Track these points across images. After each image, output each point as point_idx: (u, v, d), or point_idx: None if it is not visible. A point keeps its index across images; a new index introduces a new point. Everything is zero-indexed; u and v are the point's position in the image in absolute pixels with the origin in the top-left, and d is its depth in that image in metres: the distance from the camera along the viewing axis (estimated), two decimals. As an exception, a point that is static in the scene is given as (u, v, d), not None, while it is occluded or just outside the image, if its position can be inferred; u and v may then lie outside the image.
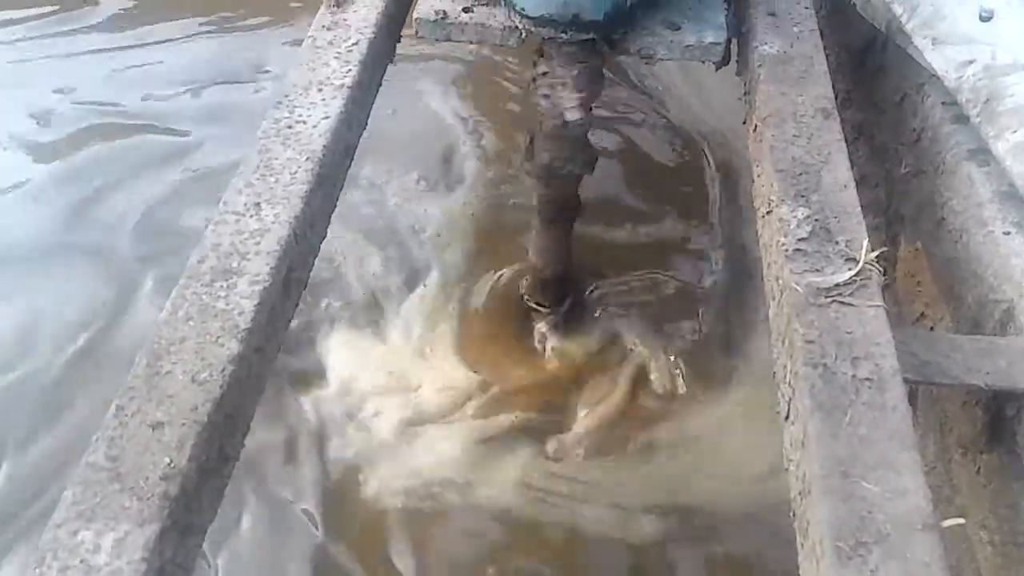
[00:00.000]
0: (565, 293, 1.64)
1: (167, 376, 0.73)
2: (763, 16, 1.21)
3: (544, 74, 1.24)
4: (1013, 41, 1.10)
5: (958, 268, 1.09)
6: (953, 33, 1.15)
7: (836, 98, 1.68)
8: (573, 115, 1.27)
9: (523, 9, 1.11)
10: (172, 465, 0.67)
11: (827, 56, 1.76)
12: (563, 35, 1.11)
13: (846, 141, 1.61)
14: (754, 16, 1.21)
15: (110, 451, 0.68)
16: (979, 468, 1.00)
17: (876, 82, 1.46)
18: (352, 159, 1.10)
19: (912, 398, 1.21)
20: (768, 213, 0.97)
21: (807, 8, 1.22)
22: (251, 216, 0.89)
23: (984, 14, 1.14)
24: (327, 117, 1.02)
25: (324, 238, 1.01)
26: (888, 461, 0.71)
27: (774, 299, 0.92)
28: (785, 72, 1.12)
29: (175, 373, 0.73)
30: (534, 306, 1.65)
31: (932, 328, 1.16)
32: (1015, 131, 1.05)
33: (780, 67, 1.12)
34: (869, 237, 1.33)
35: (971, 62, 1.12)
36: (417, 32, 1.18)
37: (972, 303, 1.05)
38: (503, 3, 1.14)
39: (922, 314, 1.19)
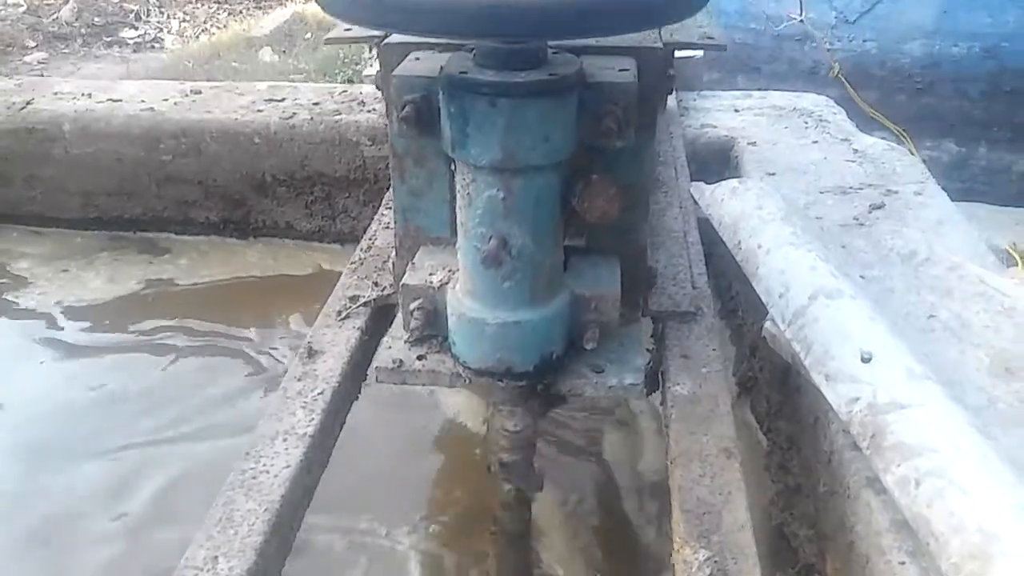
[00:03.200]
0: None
1: None
2: (676, 357, 1.39)
3: (493, 411, 1.40)
4: (890, 382, 1.26)
5: (868, 594, 1.17)
6: (841, 372, 1.32)
7: (769, 409, 1.86)
8: (519, 445, 1.41)
9: (465, 362, 1.29)
10: None
11: (761, 368, 1.95)
12: (500, 383, 1.29)
13: (781, 450, 1.75)
14: (669, 357, 1.39)
15: None
16: None
17: (797, 400, 1.63)
18: (311, 498, 1.23)
19: None
20: (676, 552, 1.08)
21: (714, 350, 1.40)
22: (208, 570, 1.00)
23: (864, 356, 1.31)
24: (288, 466, 1.16)
25: (277, 580, 1.11)
26: None
27: (682, 641, 1.00)
28: (694, 412, 1.27)
29: None
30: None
31: (857, 652, 1.21)
32: (899, 465, 1.17)
33: (689, 407, 1.28)
34: (802, 548, 1.42)
35: (857, 399, 1.28)
36: (377, 379, 1.36)
37: (882, 631, 1.12)
38: (451, 354, 1.33)
39: (849, 636, 1.25)
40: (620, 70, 1.19)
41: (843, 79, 2.61)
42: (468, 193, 1.18)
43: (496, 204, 1.15)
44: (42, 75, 6.27)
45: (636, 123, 1.18)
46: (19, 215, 2.67)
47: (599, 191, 1.20)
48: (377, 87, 1.38)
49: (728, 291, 2.28)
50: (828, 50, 3.33)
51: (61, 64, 6.69)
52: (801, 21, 2.75)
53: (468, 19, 0.91)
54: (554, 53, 1.16)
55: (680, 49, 1.32)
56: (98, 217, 2.66)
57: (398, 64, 1.26)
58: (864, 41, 3.30)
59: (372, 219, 2.13)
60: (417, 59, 1.26)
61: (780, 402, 1.79)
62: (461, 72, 1.10)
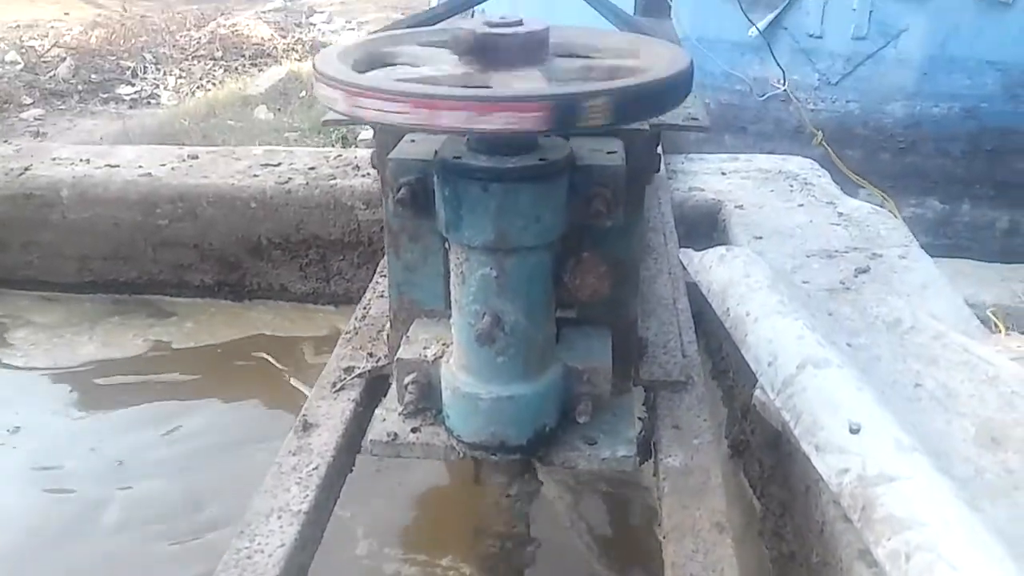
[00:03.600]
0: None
1: None
2: (668, 428, 1.40)
3: (487, 482, 1.41)
4: (879, 453, 1.28)
5: (862, 669, 1.17)
6: (830, 443, 1.34)
7: (762, 473, 1.86)
8: (518, 521, 1.42)
9: (459, 436, 1.30)
10: None
11: (753, 431, 1.96)
12: (494, 456, 1.30)
13: (774, 516, 1.75)
14: (660, 428, 1.41)
15: None
16: None
17: (789, 467, 1.64)
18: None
19: None
20: (670, 631, 1.08)
21: (705, 420, 1.42)
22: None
23: (853, 427, 1.33)
24: (282, 545, 1.17)
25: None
26: None
27: None
28: (686, 484, 1.28)
29: None
30: None
31: None
32: (889, 539, 1.18)
33: (682, 479, 1.30)
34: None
35: (847, 471, 1.29)
36: (372, 452, 1.37)
37: None
38: (444, 427, 1.35)
39: None
40: (608, 152, 1.23)
41: (826, 147, 2.68)
42: (462, 271, 1.20)
43: (489, 282, 1.18)
44: (38, 132, 6.35)
45: (625, 202, 1.22)
46: (15, 280, 2.68)
47: (589, 269, 1.23)
48: (373, 165, 1.42)
49: (719, 352, 2.30)
50: (812, 110, 3.42)
51: (57, 120, 6.77)
52: (784, 90, 2.84)
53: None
54: (544, 136, 1.20)
55: (665, 130, 1.37)
56: (93, 281, 2.67)
57: (394, 145, 1.30)
58: (847, 102, 3.39)
59: (365, 281, 2.15)
60: (412, 142, 1.30)
61: (772, 467, 1.80)
62: (455, 157, 1.14)
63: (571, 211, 1.19)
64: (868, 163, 3.37)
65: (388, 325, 1.52)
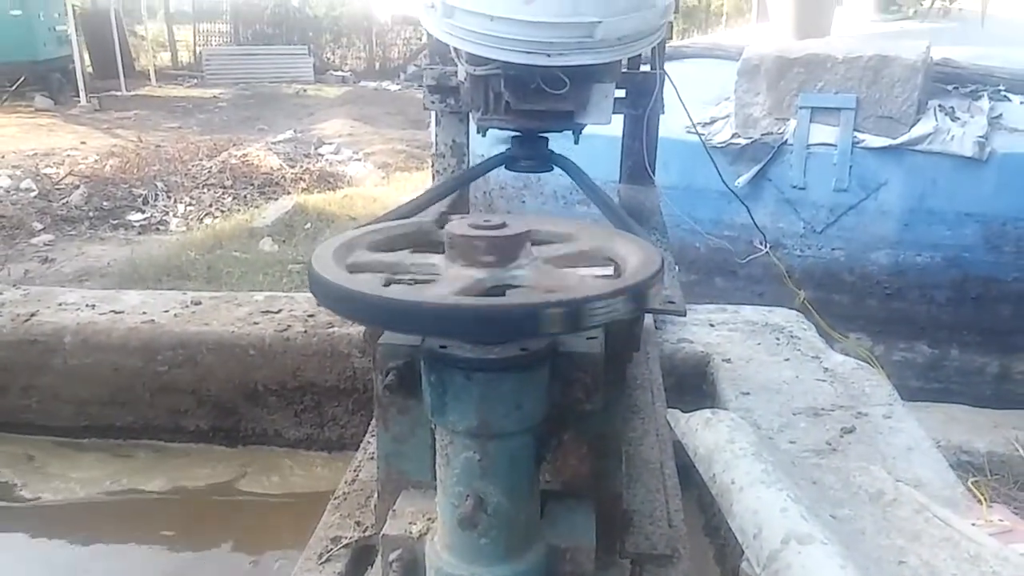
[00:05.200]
0: None
1: None
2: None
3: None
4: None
5: None
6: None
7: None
8: None
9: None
10: None
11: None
12: (476, 638, 1.29)
13: None
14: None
15: None
16: None
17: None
18: None
19: None
20: None
21: (684, 600, 1.42)
22: None
23: (834, 609, 1.33)
24: None
25: None
26: None
27: None
28: None
29: None
30: None
31: None
32: None
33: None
34: None
35: (832, 657, 1.28)
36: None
37: None
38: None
39: None
40: (588, 338, 1.28)
41: (808, 305, 2.78)
42: (447, 453, 1.24)
43: (472, 465, 1.21)
44: (46, 257, 6.51)
45: (605, 384, 1.26)
46: (14, 423, 2.70)
47: (571, 451, 1.27)
48: (364, 340, 1.47)
49: (711, 507, 2.29)
50: (799, 256, 3.53)
51: (67, 246, 6.95)
52: (767, 252, 2.96)
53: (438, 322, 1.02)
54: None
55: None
56: (88, 425, 2.70)
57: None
58: (833, 249, 3.50)
59: (359, 427, 2.16)
60: None
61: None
62: (440, 346, 1.19)
63: (552, 395, 1.23)
64: (856, 308, 3.45)
65: (376, 496, 1.53)
